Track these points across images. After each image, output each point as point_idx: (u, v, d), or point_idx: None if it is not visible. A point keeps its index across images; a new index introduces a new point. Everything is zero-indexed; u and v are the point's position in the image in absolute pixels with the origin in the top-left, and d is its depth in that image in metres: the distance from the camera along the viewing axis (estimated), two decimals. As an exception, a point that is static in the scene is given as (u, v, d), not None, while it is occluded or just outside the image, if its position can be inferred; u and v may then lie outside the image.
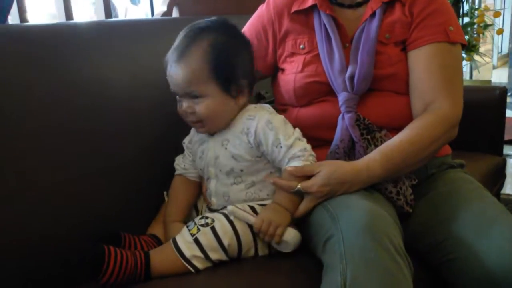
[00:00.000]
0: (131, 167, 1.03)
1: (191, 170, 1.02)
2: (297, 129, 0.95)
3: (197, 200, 1.04)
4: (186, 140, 1.04)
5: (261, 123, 0.91)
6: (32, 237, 0.85)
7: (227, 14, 1.52)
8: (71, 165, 0.92)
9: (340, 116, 0.99)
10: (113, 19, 1.35)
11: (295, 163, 0.90)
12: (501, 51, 6.38)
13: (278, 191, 0.92)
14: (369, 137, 0.98)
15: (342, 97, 0.99)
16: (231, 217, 0.88)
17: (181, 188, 1.02)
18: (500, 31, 2.99)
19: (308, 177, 0.90)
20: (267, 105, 0.98)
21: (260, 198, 0.94)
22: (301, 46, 1.06)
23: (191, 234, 0.86)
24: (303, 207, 0.90)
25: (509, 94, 4.22)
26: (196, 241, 0.85)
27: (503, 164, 1.51)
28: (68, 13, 1.21)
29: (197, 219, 0.89)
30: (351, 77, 0.99)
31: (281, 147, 0.90)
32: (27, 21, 1.22)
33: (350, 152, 0.98)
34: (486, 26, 2.62)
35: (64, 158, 0.91)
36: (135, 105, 1.07)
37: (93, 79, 1.00)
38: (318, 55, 1.04)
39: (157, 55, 1.14)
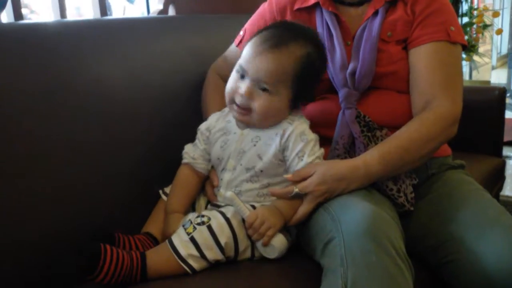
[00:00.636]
0: (126, 166, 1.02)
1: (200, 161, 0.98)
2: (322, 150, 0.94)
3: (196, 197, 1.01)
4: (202, 127, 1.00)
5: (297, 131, 0.91)
6: (27, 236, 0.84)
7: (223, 13, 1.52)
8: (66, 165, 0.91)
9: (341, 112, 0.99)
10: (109, 17, 1.34)
11: None
12: (500, 52, 6.38)
13: (277, 199, 0.91)
14: (369, 134, 0.97)
15: (342, 93, 0.99)
16: (230, 215, 0.86)
17: (187, 178, 0.99)
18: (500, 31, 2.99)
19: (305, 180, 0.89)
20: (304, 118, 0.97)
21: (268, 201, 0.92)
22: None
23: (187, 233, 0.84)
24: (303, 209, 0.89)
25: (508, 95, 4.23)
26: (192, 240, 0.84)
27: (503, 166, 1.50)
28: (63, 11, 1.19)
29: (193, 218, 0.87)
30: (352, 74, 0.99)
31: (302, 160, 0.90)
32: (22, 18, 1.20)
33: (350, 149, 0.98)
34: (485, 26, 2.62)
35: (59, 158, 0.90)
36: (131, 104, 1.06)
37: (89, 78, 0.99)
38: None
39: (153, 54, 1.14)
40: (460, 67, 1.06)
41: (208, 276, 0.84)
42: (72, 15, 1.38)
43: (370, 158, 0.90)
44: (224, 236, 0.84)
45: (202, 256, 0.84)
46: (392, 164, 0.91)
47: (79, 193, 0.93)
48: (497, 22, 5.08)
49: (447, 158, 1.08)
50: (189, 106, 1.15)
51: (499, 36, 5.67)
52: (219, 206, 0.93)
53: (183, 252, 0.83)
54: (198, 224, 0.85)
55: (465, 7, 2.61)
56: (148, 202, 1.02)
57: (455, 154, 1.12)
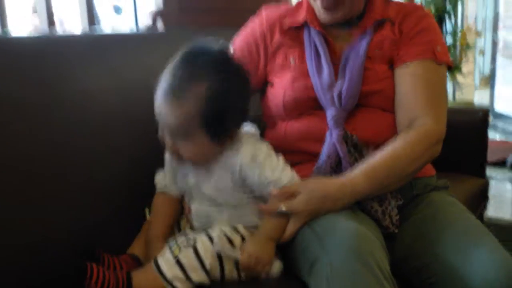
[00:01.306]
0: (113, 183, 1.01)
1: (171, 188, 0.99)
2: (280, 157, 0.93)
3: (180, 217, 1.01)
4: (167, 156, 0.99)
5: (246, 159, 0.89)
6: (9, 250, 0.82)
7: (212, 26, 1.52)
8: (54, 180, 0.90)
9: (328, 132, 0.99)
10: (98, 32, 1.33)
11: None
12: (483, 72, 6.51)
13: (264, 219, 0.91)
14: (356, 154, 0.98)
15: (330, 112, 1.00)
16: (215, 240, 0.86)
17: (162, 206, 0.99)
18: (482, 52, 3.05)
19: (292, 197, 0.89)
20: (251, 130, 0.95)
21: (243, 220, 0.92)
22: (291, 60, 1.06)
23: (173, 255, 0.84)
24: (290, 228, 0.89)
25: (491, 115, 4.31)
26: (178, 262, 0.83)
27: (486, 186, 1.52)
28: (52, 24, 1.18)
29: (179, 239, 0.87)
30: (340, 93, 0.99)
31: (269, 182, 0.89)
32: (7, 27, 1.19)
33: (337, 168, 0.98)
34: (468, 47, 2.67)
35: (45, 173, 0.89)
36: (119, 118, 1.05)
37: (77, 91, 0.99)
38: (307, 70, 1.04)
39: (143, 68, 1.13)
40: (445, 86, 1.07)
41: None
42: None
43: (356, 177, 0.90)
44: (209, 258, 0.84)
45: (187, 278, 0.83)
46: (377, 182, 0.91)
47: (65, 208, 0.91)
48: (480, 43, 5.21)
49: (432, 178, 1.09)
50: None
51: (481, 57, 5.80)
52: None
53: (168, 274, 0.82)
54: (184, 246, 0.84)
55: (449, 26, 2.67)
56: (135, 221, 1.01)
57: (439, 174, 1.12)
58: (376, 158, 0.93)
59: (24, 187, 0.85)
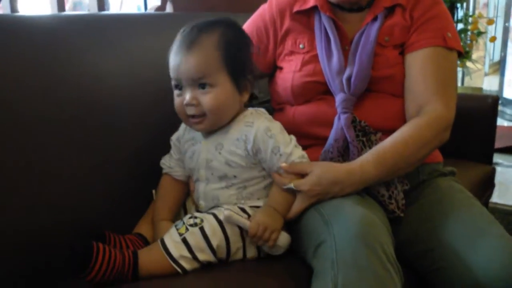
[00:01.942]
0: (120, 164, 1.02)
1: (176, 169, 1.00)
2: (292, 136, 0.94)
3: (186, 199, 1.02)
4: (174, 137, 1.01)
5: (260, 130, 0.90)
6: (18, 233, 0.83)
7: (221, 11, 1.51)
8: (61, 162, 0.91)
9: (336, 117, 0.99)
10: (106, 12, 1.32)
11: None
12: (493, 59, 6.43)
13: (271, 194, 0.92)
14: (364, 139, 0.98)
15: (339, 97, 1.00)
16: (223, 219, 0.86)
17: (169, 187, 1.00)
18: (493, 39, 3.02)
19: (302, 176, 0.90)
20: (263, 110, 0.97)
21: (251, 201, 0.93)
22: (301, 45, 1.06)
23: (179, 233, 0.84)
24: (296, 207, 0.90)
25: (499, 102, 4.26)
26: (184, 241, 0.84)
27: (492, 174, 1.52)
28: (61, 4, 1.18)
29: (185, 219, 0.87)
30: (349, 78, 0.99)
31: (280, 154, 0.90)
32: (18, 12, 1.19)
33: (344, 153, 0.98)
34: (480, 33, 2.64)
35: (53, 154, 0.89)
36: (129, 99, 1.05)
37: (85, 73, 0.98)
38: (316, 55, 1.04)
39: (151, 50, 1.13)
40: (455, 73, 1.07)
41: (199, 276, 0.84)
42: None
43: (366, 163, 0.91)
44: (216, 239, 0.85)
45: (194, 257, 0.84)
46: (387, 168, 0.92)
47: (71, 190, 0.92)
48: (491, 30, 5.13)
49: (438, 164, 1.09)
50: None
51: (492, 43, 5.73)
52: (203, 212, 0.93)
53: (175, 253, 0.83)
54: (191, 225, 0.85)
55: (460, 13, 2.64)
56: (142, 202, 1.02)
57: (446, 160, 1.13)
58: (386, 144, 0.93)
59: (32, 169, 0.86)
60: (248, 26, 1.15)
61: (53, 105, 0.91)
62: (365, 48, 1.00)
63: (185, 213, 1.00)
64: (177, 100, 0.91)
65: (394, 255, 0.80)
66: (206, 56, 0.87)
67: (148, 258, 0.84)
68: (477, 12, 4.72)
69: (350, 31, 1.04)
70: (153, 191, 1.02)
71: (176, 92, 0.91)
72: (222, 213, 0.87)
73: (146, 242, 0.94)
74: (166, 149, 1.02)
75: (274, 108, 1.13)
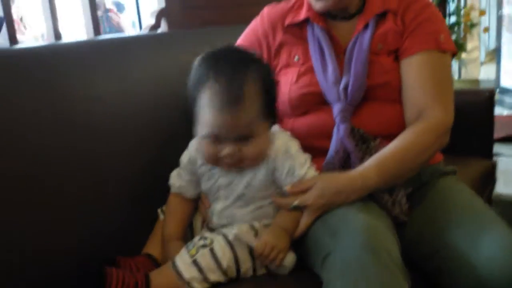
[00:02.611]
0: (124, 185, 1.03)
1: (187, 189, 1.00)
2: (307, 155, 0.95)
3: (192, 217, 1.03)
4: (184, 159, 0.99)
5: (280, 150, 0.92)
6: (27, 256, 0.84)
7: (216, 26, 1.53)
8: (64, 183, 0.92)
9: (335, 127, 1.01)
10: (102, 36, 1.34)
11: None
12: (489, 47, 6.44)
13: (279, 213, 0.93)
14: (364, 146, 0.99)
15: (336, 107, 1.01)
16: (232, 239, 0.88)
17: (178, 206, 1.01)
18: (486, 30, 3.03)
19: (305, 192, 0.91)
20: (279, 128, 0.98)
21: (264, 220, 0.94)
22: (296, 57, 1.08)
23: (190, 255, 0.86)
24: (303, 223, 0.91)
25: (497, 90, 4.27)
26: (195, 263, 0.85)
27: (493, 168, 1.53)
28: (57, 33, 1.20)
29: (196, 240, 0.89)
30: (345, 88, 1.00)
31: (294, 176, 0.91)
32: (17, 43, 1.22)
33: (345, 163, 1.00)
34: (473, 25, 2.65)
35: (56, 176, 0.91)
36: (126, 121, 1.07)
37: (84, 97, 1.00)
38: (312, 66, 1.05)
39: (147, 71, 1.15)
40: (451, 75, 1.08)
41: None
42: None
43: (367, 171, 0.92)
44: (226, 259, 0.86)
45: (204, 278, 0.85)
46: (388, 175, 0.93)
47: (74, 213, 0.93)
48: (484, 20, 5.14)
49: (439, 164, 1.10)
50: (182, 121, 1.16)
51: (487, 32, 5.74)
52: (214, 229, 0.95)
53: (186, 275, 0.85)
54: (201, 246, 0.87)
55: (452, 6, 2.65)
56: (147, 222, 1.03)
57: (447, 157, 1.14)
58: (386, 151, 0.95)
59: (39, 197, 0.87)
60: (241, 42, 1.16)
61: (53, 132, 0.93)
62: (359, 57, 1.01)
63: (191, 233, 1.01)
64: (209, 150, 0.89)
65: (401, 260, 0.81)
66: (253, 112, 0.86)
67: (160, 280, 0.86)
68: (469, 3, 4.73)
69: (343, 39, 1.06)
70: (159, 210, 1.03)
71: (207, 141, 0.89)
72: (231, 233, 0.88)
73: (155, 263, 0.96)
74: (166, 168, 1.02)
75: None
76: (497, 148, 2.95)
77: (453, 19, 2.65)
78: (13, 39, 1.17)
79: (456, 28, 2.59)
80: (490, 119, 1.51)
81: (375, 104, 1.03)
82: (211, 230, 0.96)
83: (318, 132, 1.03)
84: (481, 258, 0.83)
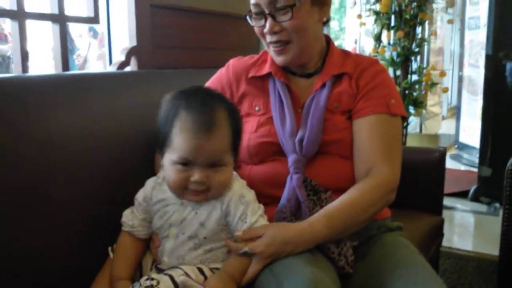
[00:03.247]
0: (79, 221, 1.03)
1: (139, 228, 1.00)
2: (261, 205, 0.99)
3: (142, 257, 1.03)
4: (139, 197, 1.01)
5: (236, 195, 0.95)
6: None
7: (186, 67, 1.58)
8: (21, 220, 0.92)
9: (289, 177, 1.05)
10: (70, 72, 1.36)
11: None
12: (451, 103, 6.76)
13: (228, 259, 0.95)
14: (315, 198, 1.03)
15: (291, 158, 1.05)
16: (178, 281, 0.88)
17: (129, 245, 1.01)
18: (446, 90, 3.20)
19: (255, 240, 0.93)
20: (237, 176, 1.01)
21: (213, 263, 0.96)
22: (257, 107, 1.13)
23: None
24: (252, 269, 0.93)
25: (455, 146, 4.45)
26: None
27: (441, 224, 1.59)
28: (24, 66, 1.21)
29: (142, 280, 0.89)
30: (301, 140, 1.05)
31: (245, 222, 0.94)
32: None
33: (297, 212, 1.03)
34: (433, 84, 2.80)
35: (13, 213, 0.91)
36: (90, 157, 1.07)
37: (50, 132, 1.01)
38: (271, 117, 1.10)
39: (112, 108, 1.17)
40: (400, 137, 1.14)
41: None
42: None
43: (317, 223, 0.96)
44: None
45: None
46: (336, 228, 0.97)
47: (27, 249, 0.93)
48: (447, 79, 5.42)
49: (386, 220, 1.15)
50: (147, 160, 1.17)
51: (450, 89, 6.05)
52: (163, 270, 0.95)
53: None
54: (147, 287, 0.87)
55: (414, 65, 2.80)
56: (97, 259, 1.02)
57: (398, 211, 1.19)
58: (335, 205, 0.99)
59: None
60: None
61: (18, 162, 0.93)
62: (315, 114, 1.07)
63: (140, 272, 1.01)
64: (179, 176, 0.91)
65: None
66: (224, 140, 0.92)
67: None
68: (432, 61, 4.99)
69: (302, 95, 1.12)
70: (110, 248, 1.02)
71: (178, 167, 0.91)
72: (179, 278, 0.89)
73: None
74: (126, 205, 1.03)
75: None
76: (451, 202, 3.08)
77: (415, 77, 2.79)
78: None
79: (417, 86, 2.73)
80: (441, 176, 1.59)
81: (328, 158, 1.08)
82: (160, 270, 0.96)
83: (273, 181, 1.07)
84: None
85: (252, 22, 1.09)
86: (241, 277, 0.93)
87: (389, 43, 2.75)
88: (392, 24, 2.72)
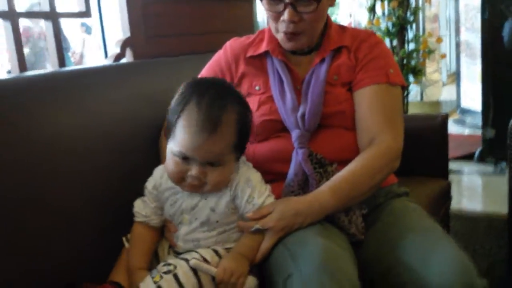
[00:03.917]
0: (89, 214, 1.05)
1: (152, 217, 1.01)
2: (268, 186, 1.00)
3: (157, 245, 1.04)
4: (149, 186, 1.01)
5: (243, 179, 0.96)
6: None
7: (182, 55, 1.58)
8: (25, 215, 0.93)
9: (294, 152, 1.06)
10: (66, 68, 1.36)
11: None
12: (450, 69, 6.71)
13: (239, 239, 0.97)
14: (321, 170, 1.04)
15: (295, 134, 1.06)
16: (191, 264, 0.90)
17: (143, 235, 1.01)
18: (443, 56, 3.19)
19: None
20: (244, 158, 1.02)
21: (228, 243, 0.98)
22: (257, 87, 1.14)
23: (154, 281, 0.87)
24: (265, 245, 0.95)
25: (458, 111, 4.44)
26: None
27: (448, 187, 1.60)
28: (22, 66, 1.22)
29: (159, 266, 0.91)
30: (302, 115, 1.06)
31: (253, 204, 0.96)
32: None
33: (304, 186, 1.05)
34: (430, 52, 2.79)
35: (18, 211, 0.92)
36: (88, 153, 1.08)
37: (48, 129, 1.02)
38: (272, 96, 1.11)
39: (111, 102, 1.17)
40: (400, 106, 1.15)
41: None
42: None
43: (322, 194, 0.98)
44: (190, 284, 0.88)
45: None
46: (343, 197, 0.99)
47: (44, 243, 0.94)
48: (444, 46, 5.36)
49: (393, 186, 1.16)
50: (146, 152, 1.19)
51: (448, 55, 6.00)
52: (180, 253, 0.97)
53: None
54: (165, 272, 0.88)
55: (410, 34, 2.79)
56: (113, 249, 1.04)
57: (405, 178, 1.20)
58: (341, 175, 1.01)
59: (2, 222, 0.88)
60: (205, 72, 1.21)
61: (17, 162, 0.94)
62: (315, 87, 1.08)
63: (156, 260, 1.02)
64: (177, 168, 0.92)
65: (357, 279, 0.85)
66: (225, 142, 0.91)
67: None
68: (428, 28, 4.95)
69: (301, 72, 1.12)
70: (124, 238, 1.04)
71: (177, 159, 0.92)
72: (191, 259, 0.90)
73: (122, 289, 0.97)
74: (131, 197, 1.03)
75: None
76: (458, 165, 3.09)
77: (412, 46, 2.78)
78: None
79: (414, 54, 2.71)
80: (444, 141, 1.59)
81: (332, 131, 1.09)
82: (177, 253, 0.98)
83: (278, 157, 1.08)
84: (432, 274, 0.88)
85: (265, 5, 1.07)
86: (254, 254, 0.95)
87: (383, 14, 2.74)
88: (386, -6, 2.70)
